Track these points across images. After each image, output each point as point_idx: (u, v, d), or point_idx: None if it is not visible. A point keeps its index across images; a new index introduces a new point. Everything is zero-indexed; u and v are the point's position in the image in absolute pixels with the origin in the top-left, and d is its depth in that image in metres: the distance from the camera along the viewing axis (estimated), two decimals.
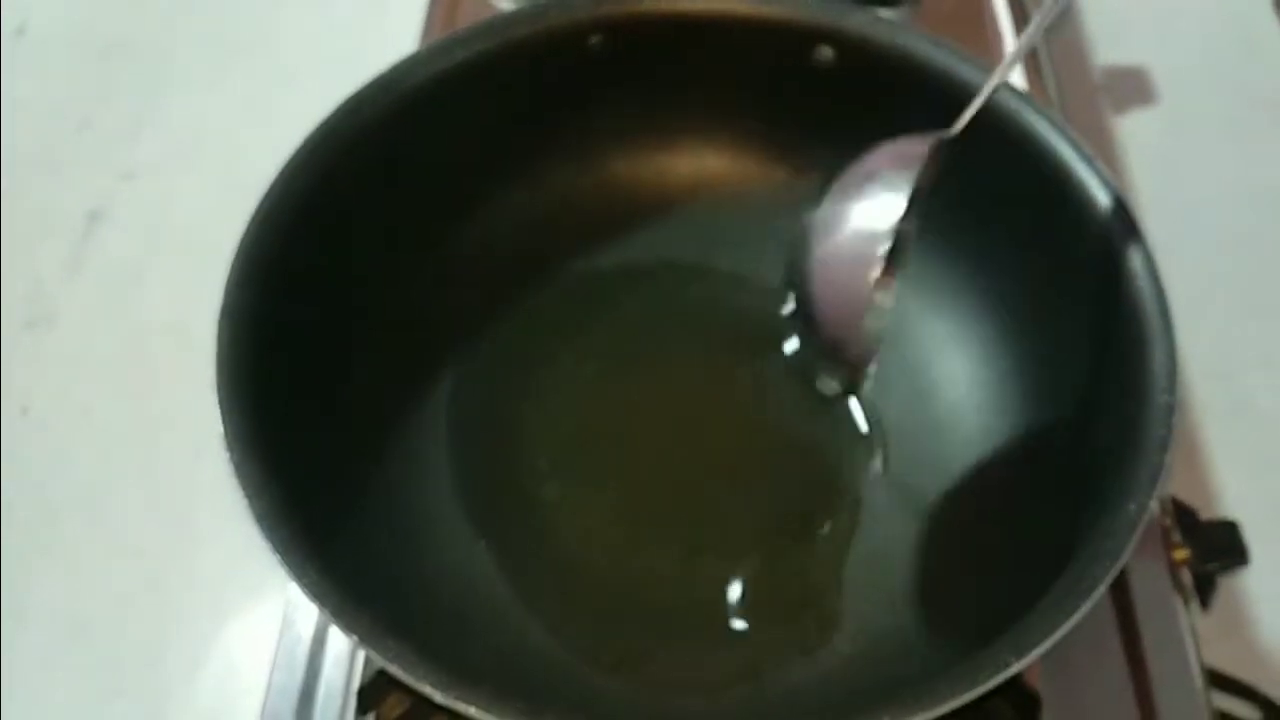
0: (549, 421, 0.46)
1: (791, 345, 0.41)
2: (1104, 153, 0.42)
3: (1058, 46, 0.62)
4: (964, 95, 0.42)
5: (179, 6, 0.74)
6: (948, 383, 0.46)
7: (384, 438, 0.43)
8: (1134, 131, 0.64)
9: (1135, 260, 0.38)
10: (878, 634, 0.41)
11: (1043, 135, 0.41)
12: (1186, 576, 0.44)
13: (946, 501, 0.43)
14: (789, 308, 0.40)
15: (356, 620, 0.31)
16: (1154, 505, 0.33)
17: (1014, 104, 0.42)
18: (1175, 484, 0.47)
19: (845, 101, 0.46)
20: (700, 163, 0.50)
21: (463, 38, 0.44)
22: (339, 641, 0.43)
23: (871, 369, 0.40)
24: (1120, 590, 0.43)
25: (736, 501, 0.45)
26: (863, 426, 0.46)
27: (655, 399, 0.47)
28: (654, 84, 0.48)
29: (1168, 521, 0.45)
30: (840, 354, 0.38)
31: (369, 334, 0.43)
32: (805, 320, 0.39)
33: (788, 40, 0.45)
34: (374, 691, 0.39)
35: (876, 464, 0.45)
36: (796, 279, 0.39)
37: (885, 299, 0.37)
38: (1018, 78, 0.58)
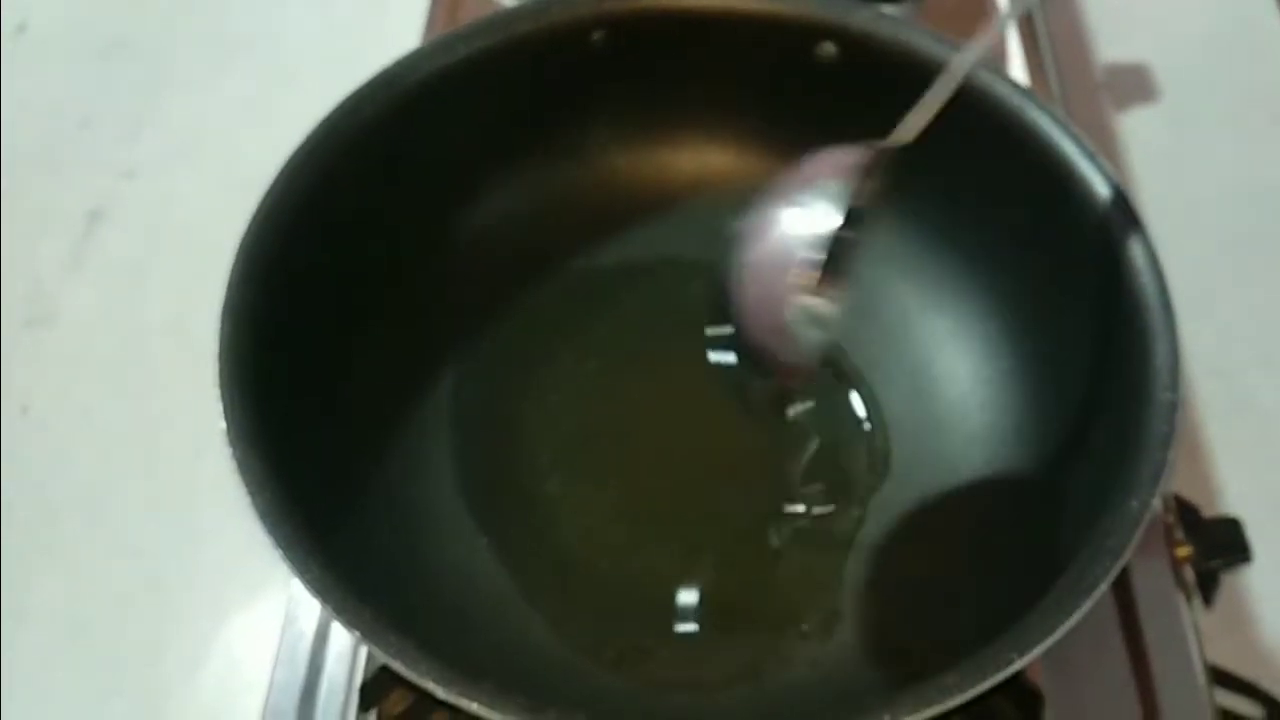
0: (550, 419, 0.46)
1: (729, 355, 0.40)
2: (1106, 150, 0.42)
3: (1060, 43, 0.62)
4: (966, 94, 0.43)
5: (179, 6, 0.74)
6: (950, 380, 0.46)
7: (385, 435, 0.43)
8: (1136, 129, 0.64)
9: (1138, 257, 0.38)
10: (879, 632, 0.40)
11: (1045, 132, 0.41)
12: (1189, 574, 0.44)
13: (948, 499, 0.43)
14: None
15: (358, 616, 0.31)
16: (1156, 502, 0.33)
17: (1016, 101, 0.42)
18: (1177, 481, 0.47)
19: (848, 98, 0.46)
20: (702, 159, 0.50)
21: (464, 34, 0.44)
22: (341, 638, 0.43)
23: (808, 381, 0.39)
24: (1123, 588, 0.43)
25: (737, 499, 0.45)
26: (865, 424, 0.46)
27: (656, 396, 0.47)
28: (656, 80, 0.48)
29: (1170, 519, 0.45)
30: (770, 362, 0.38)
31: (370, 331, 0.43)
32: (737, 326, 0.38)
33: (790, 36, 0.45)
34: (376, 688, 0.39)
35: (878, 462, 0.45)
36: (729, 284, 0.38)
37: (827, 309, 0.36)
38: (1019, 75, 0.58)
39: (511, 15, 0.45)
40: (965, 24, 0.58)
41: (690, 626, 0.42)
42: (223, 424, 0.34)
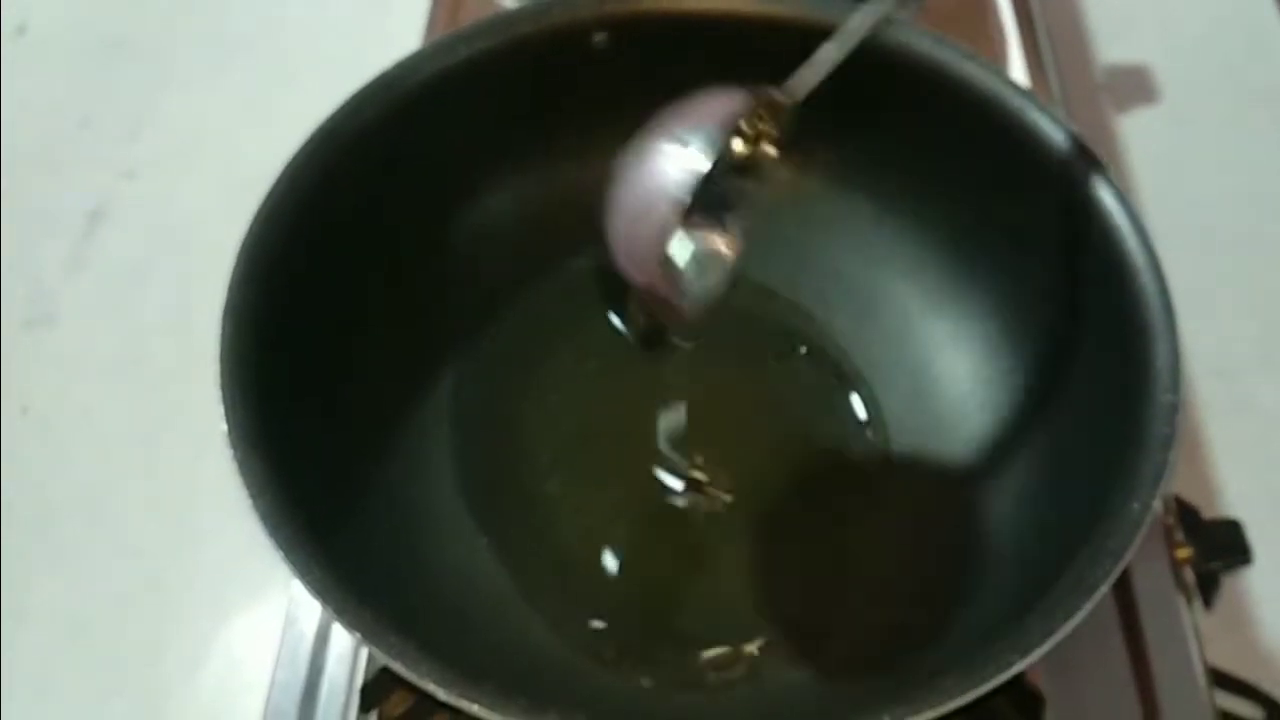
0: (550, 419, 0.46)
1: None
2: (1106, 151, 0.42)
3: (1060, 44, 0.62)
4: (967, 94, 0.43)
5: (179, 6, 0.74)
6: (950, 382, 0.46)
7: (386, 435, 0.43)
8: (1136, 130, 0.64)
9: (1138, 258, 0.38)
10: (879, 633, 0.40)
11: (1045, 133, 0.41)
12: (1189, 575, 0.44)
13: (949, 500, 0.43)
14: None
15: (359, 617, 0.31)
16: (1157, 504, 0.33)
17: (1016, 102, 0.42)
18: (1178, 483, 0.47)
19: (848, 100, 0.45)
20: None
21: (466, 35, 0.44)
22: (342, 639, 0.43)
23: (694, 326, 0.38)
24: (1123, 589, 0.43)
25: (737, 499, 0.45)
26: (865, 425, 0.46)
27: (656, 397, 0.47)
28: (656, 82, 0.47)
29: (1170, 520, 0.45)
30: (647, 297, 0.36)
31: (371, 332, 0.43)
32: (613, 262, 0.37)
33: (790, 39, 0.45)
34: (377, 689, 0.39)
35: (878, 462, 0.45)
36: (605, 218, 0.36)
37: (705, 252, 0.35)
38: (1019, 75, 0.58)
39: (512, 17, 0.45)
40: (965, 27, 0.58)
41: (690, 626, 0.42)
42: (223, 425, 0.34)
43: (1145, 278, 0.38)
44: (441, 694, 0.30)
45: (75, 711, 0.48)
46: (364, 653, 0.43)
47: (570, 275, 0.49)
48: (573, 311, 0.49)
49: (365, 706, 0.40)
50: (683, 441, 0.46)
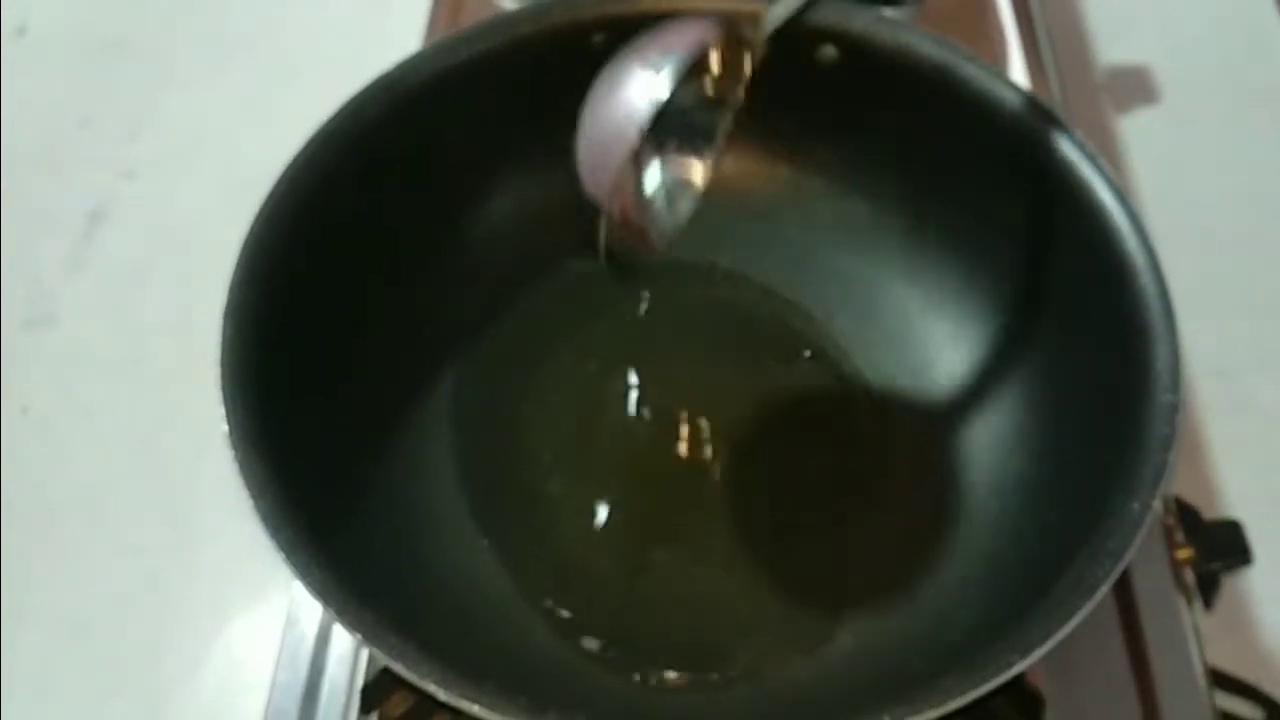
0: (550, 420, 0.46)
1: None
2: (1106, 151, 0.42)
3: (1060, 44, 0.62)
4: (968, 94, 0.43)
5: (179, 6, 0.74)
6: (950, 383, 0.46)
7: (386, 436, 0.43)
8: (1136, 130, 0.64)
9: (1138, 259, 0.38)
10: (879, 633, 0.41)
11: (1045, 134, 0.41)
12: (1189, 576, 0.44)
13: (949, 500, 0.43)
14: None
15: (360, 618, 0.31)
16: (1157, 504, 0.33)
17: (1016, 104, 0.42)
18: (1178, 483, 0.47)
19: (848, 101, 0.46)
20: None
21: (466, 36, 0.44)
22: (343, 640, 0.43)
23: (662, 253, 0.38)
24: (1123, 590, 0.43)
25: (737, 499, 0.45)
26: (865, 425, 0.46)
27: (656, 397, 0.47)
28: None
29: (1171, 521, 0.45)
30: (623, 227, 0.37)
31: (371, 333, 0.43)
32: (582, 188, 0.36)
33: (791, 40, 0.45)
34: (378, 689, 0.39)
35: (878, 463, 0.45)
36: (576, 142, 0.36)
37: (690, 179, 0.36)
38: (1019, 76, 0.58)
39: (513, 18, 0.45)
40: (965, 27, 0.58)
41: (691, 626, 0.42)
42: (224, 426, 0.34)
43: (1145, 278, 0.38)
44: (442, 694, 0.30)
45: (75, 711, 0.48)
46: (365, 653, 0.43)
47: (570, 275, 0.49)
48: (573, 311, 0.49)
49: (366, 707, 0.40)
50: (683, 441, 0.46)
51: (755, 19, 0.37)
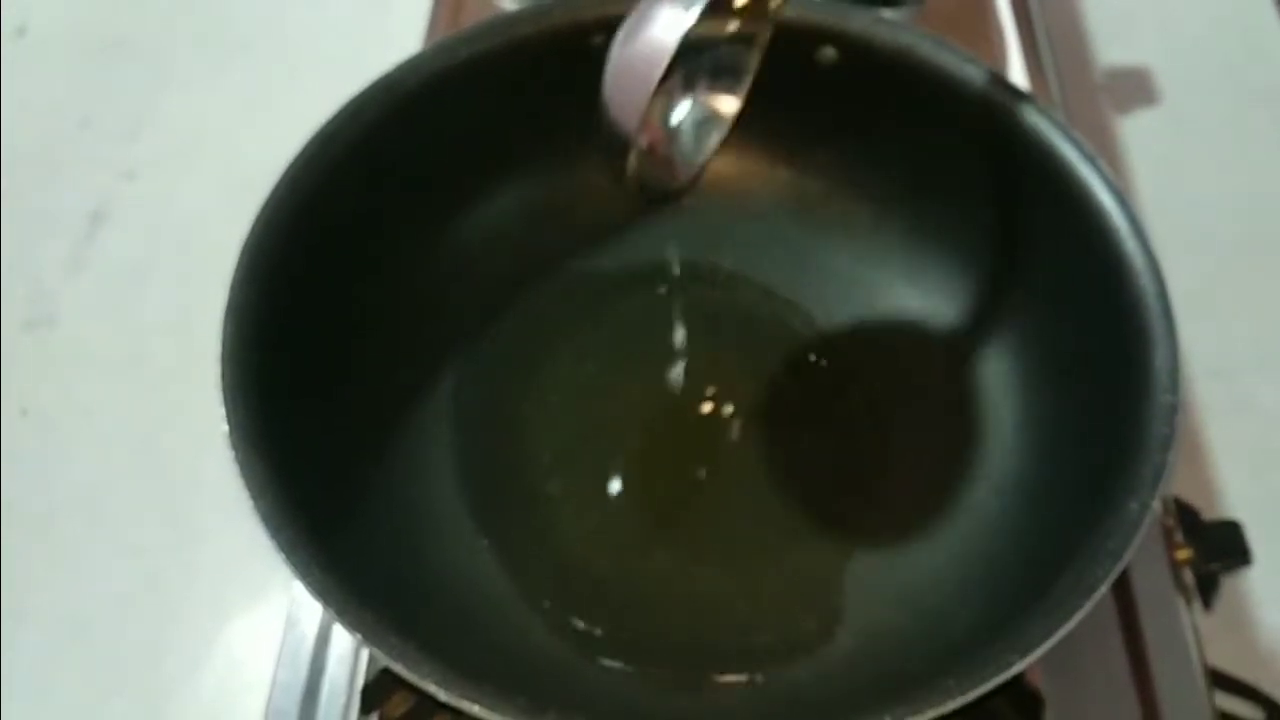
0: (550, 420, 0.46)
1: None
2: (1106, 152, 0.42)
3: (1059, 45, 0.62)
4: (967, 95, 0.43)
5: (179, 6, 0.74)
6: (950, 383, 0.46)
7: (386, 436, 0.43)
8: (1136, 131, 0.64)
9: (1137, 259, 0.38)
10: (879, 633, 0.41)
11: (1044, 135, 0.41)
12: (1189, 576, 0.44)
13: (949, 500, 0.43)
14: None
15: (360, 618, 0.31)
16: (1156, 505, 0.33)
17: (1015, 104, 0.42)
18: (1177, 483, 0.47)
19: (848, 102, 0.46)
20: None
21: (466, 37, 0.44)
22: (343, 640, 0.43)
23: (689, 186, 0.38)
24: (1122, 590, 0.43)
25: (737, 499, 0.45)
26: (865, 425, 0.46)
27: (657, 398, 0.47)
28: None
29: (1170, 521, 0.45)
30: (650, 159, 0.37)
31: (371, 333, 0.43)
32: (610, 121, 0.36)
33: (790, 41, 0.45)
34: (378, 689, 0.39)
35: (877, 462, 0.45)
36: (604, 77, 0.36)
37: (718, 111, 0.37)
38: (1019, 77, 0.58)
39: (513, 18, 0.45)
40: (964, 29, 0.58)
41: (691, 627, 0.42)
42: (224, 426, 0.34)
43: (1144, 279, 0.38)
44: (442, 695, 0.30)
45: (75, 711, 0.48)
46: (365, 653, 0.43)
47: (570, 275, 0.49)
48: (573, 311, 0.49)
49: (366, 707, 0.40)
50: (683, 440, 0.46)
51: None
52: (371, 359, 0.43)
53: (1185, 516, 0.45)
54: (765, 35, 0.37)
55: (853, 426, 0.46)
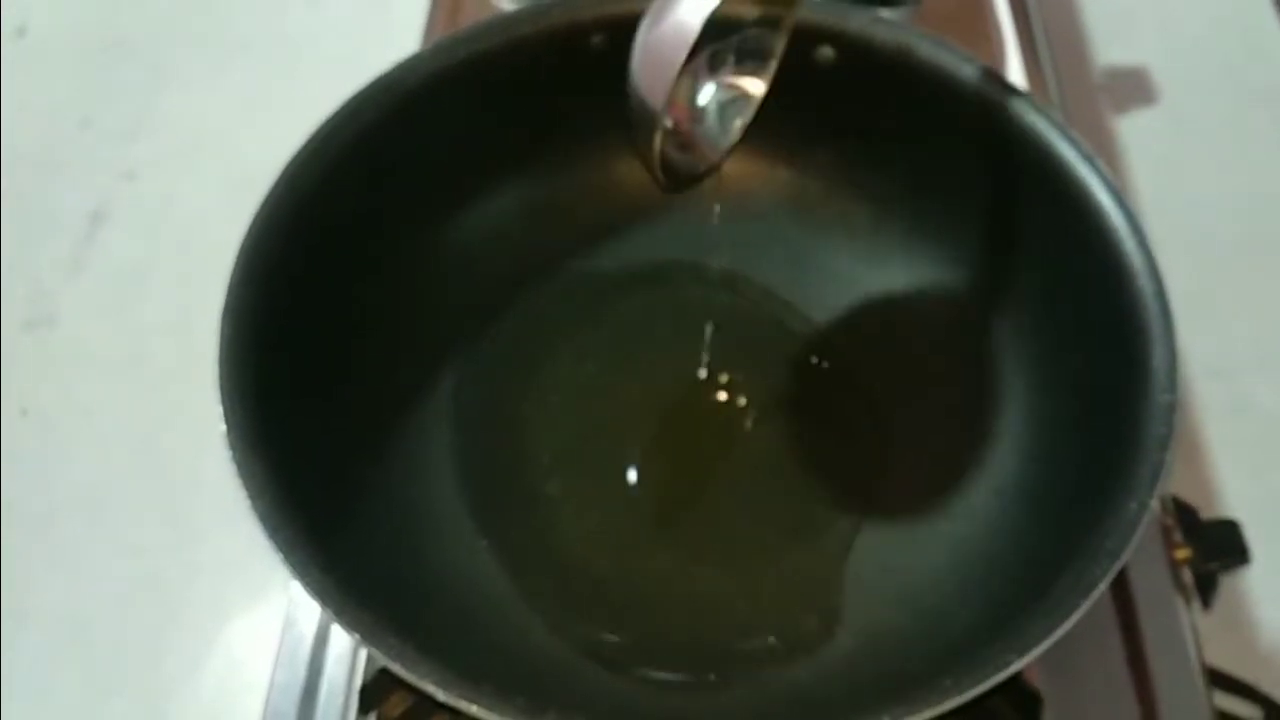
0: (550, 421, 0.46)
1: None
2: (1105, 152, 0.42)
3: (1058, 45, 0.62)
4: (965, 95, 0.43)
5: (179, 6, 0.74)
6: (950, 383, 0.46)
7: (385, 437, 0.43)
8: (1135, 131, 0.64)
9: (1136, 260, 0.38)
10: (879, 633, 0.40)
11: (1043, 134, 0.41)
12: (1187, 575, 0.44)
13: (948, 500, 0.43)
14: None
15: (358, 619, 0.31)
16: (1155, 504, 0.33)
17: (1014, 104, 0.42)
18: (1176, 483, 0.47)
19: (847, 102, 0.46)
20: None
21: (464, 37, 0.44)
22: (341, 640, 0.43)
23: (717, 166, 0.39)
24: (1121, 589, 0.43)
25: (738, 499, 0.45)
26: (865, 425, 0.46)
27: (656, 398, 0.47)
28: None
29: (1169, 520, 0.45)
30: (678, 140, 0.38)
31: (370, 333, 0.43)
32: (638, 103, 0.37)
33: (789, 40, 0.45)
34: (376, 690, 0.39)
35: (877, 462, 0.45)
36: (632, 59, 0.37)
37: (745, 91, 0.38)
38: (1017, 77, 0.58)
39: (512, 18, 0.45)
40: (962, 28, 0.58)
41: (691, 627, 0.42)
42: (223, 426, 0.34)
43: (1143, 279, 0.38)
44: (441, 695, 0.30)
45: (75, 711, 0.48)
46: (363, 654, 0.43)
47: (570, 275, 0.49)
48: (573, 311, 0.49)
49: (364, 707, 0.40)
50: (683, 441, 0.46)
51: None
52: (371, 359, 0.43)
53: (1184, 516, 0.45)
54: (791, 18, 0.38)
55: (853, 426, 0.46)
